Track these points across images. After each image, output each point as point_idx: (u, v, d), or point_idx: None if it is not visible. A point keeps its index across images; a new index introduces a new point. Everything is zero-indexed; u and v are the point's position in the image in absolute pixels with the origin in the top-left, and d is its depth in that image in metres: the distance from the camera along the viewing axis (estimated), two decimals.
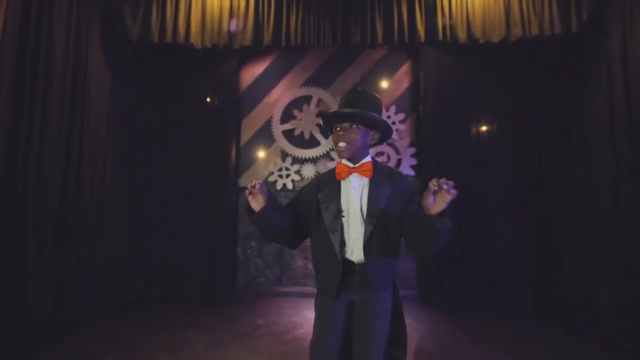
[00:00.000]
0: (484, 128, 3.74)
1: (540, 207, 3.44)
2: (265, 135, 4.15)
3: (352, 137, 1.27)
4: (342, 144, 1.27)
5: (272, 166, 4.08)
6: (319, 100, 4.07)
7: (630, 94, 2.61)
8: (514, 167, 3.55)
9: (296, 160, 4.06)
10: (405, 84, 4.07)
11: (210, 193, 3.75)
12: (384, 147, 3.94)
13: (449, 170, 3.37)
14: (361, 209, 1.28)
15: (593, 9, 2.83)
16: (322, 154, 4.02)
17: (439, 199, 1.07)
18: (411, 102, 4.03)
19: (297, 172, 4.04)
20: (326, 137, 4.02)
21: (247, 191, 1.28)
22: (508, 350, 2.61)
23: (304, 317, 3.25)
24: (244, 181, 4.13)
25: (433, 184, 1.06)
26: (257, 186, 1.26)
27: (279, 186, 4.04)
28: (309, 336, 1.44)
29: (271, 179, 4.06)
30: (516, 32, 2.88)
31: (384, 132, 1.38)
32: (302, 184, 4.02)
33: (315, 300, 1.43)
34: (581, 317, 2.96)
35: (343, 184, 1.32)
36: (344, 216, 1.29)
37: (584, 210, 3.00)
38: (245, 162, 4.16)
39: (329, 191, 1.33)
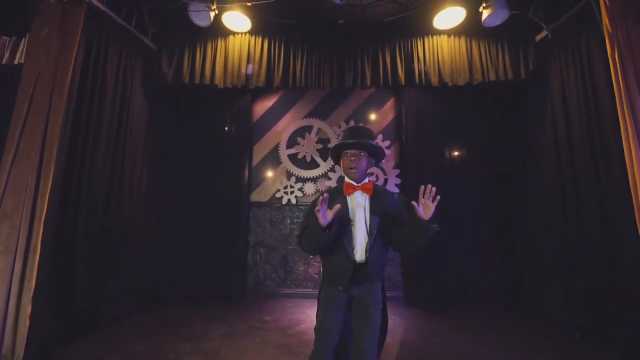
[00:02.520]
0: (455, 153, 4.03)
1: (504, 219, 3.68)
2: (273, 158, 4.41)
3: (360, 162, 1.53)
4: (354, 168, 1.52)
5: (279, 184, 4.32)
6: (319, 130, 4.38)
7: (570, 127, 2.92)
8: (480, 184, 3.82)
9: (299, 180, 4.31)
10: (391, 116, 4.39)
11: (227, 207, 3.98)
12: (374, 169, 4.22)
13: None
14: (365, 220, 1.50)
15: (537, 60, 3.19)
16: (321, 174, 4.28)
17: (425, 209, 1.37)
18: (395, 131, 4.34)
19: (300, 189, 4.28)
20: (325, 160, 4.30)
21: (318, 207, 1.34)
22: (477, 337, 2.79)
23: (306, 315, 3.39)
24: (255, 197, 4.35)
25: (421, 202, 1.37)
26: (323, 199, 1.36)
27: (284, 201, 4.26)
28: (311, 331, 1.63)
29: (278, 195, 4.29)
30: (477, 78, 3.22)
31: (379, 158, 1.65)
32: (304, 200, 4.26)
33: (320, 292, 1.61)
34: (540, 309, 3.13)
35: (349, 199, 1.54)
36: (353, 225, 1.51)
37: (538, 219, 3.24)
38: (256, 181, 4.40)
39: (341, 204, 1.51)
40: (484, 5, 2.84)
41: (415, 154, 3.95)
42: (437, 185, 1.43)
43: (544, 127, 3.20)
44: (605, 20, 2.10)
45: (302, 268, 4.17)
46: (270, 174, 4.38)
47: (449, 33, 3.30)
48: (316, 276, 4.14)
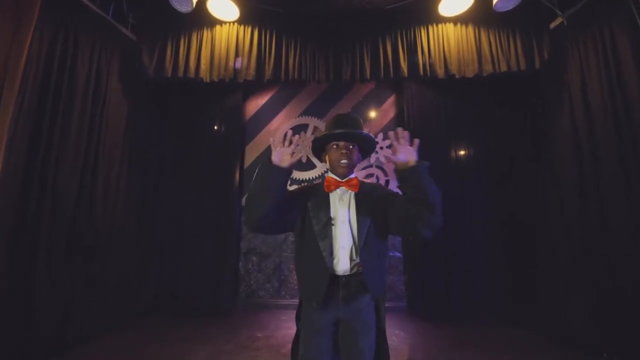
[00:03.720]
0: (461, 151, 3.71)
1: (514, 223, 3.36)
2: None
3: (352, 155, 1.27)
4: (345, 161, 1.25)
5: None
6: (315, 128, 4.06)
7: (592, 122, 2.61)
8: (488, 184, 3.50)
9: (294, 182, 3.98)
10: (391, 114, 4.09)
11: (216, 211, 3.64)
12: (374, 170, 3.91)
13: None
14: (349, 219, 1.21)
15: (552, 49, 2.89)
16: (317, 175, 3.96)
17: (405, 151, 1.07)
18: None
19: None
20: (321, 160, 3.97)
21: (283, 140, 1.14)
22: (489, 355, 2.47)
23: None
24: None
25: (397, 148, 1.08)
26: (295, 141, 1.16)
27: None
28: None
29: None
30: (487, 69, 2.91)
31: (369, 151, 1.39)
32: None
33: (298, 312, 1.29)
34: (556, 324, 2.81)
35: (331, 196, 1.26)
36: (333, 224, 1.21)
37: (554, 224, 2.92)
38: (248, 183, 4.07)
39: (319, 201, 1.26)
40: None
41: (417, 153, 3.62)
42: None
43: (559, 123, 2.89)
44: None
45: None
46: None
47: (456, 20, 2.99)
48: None
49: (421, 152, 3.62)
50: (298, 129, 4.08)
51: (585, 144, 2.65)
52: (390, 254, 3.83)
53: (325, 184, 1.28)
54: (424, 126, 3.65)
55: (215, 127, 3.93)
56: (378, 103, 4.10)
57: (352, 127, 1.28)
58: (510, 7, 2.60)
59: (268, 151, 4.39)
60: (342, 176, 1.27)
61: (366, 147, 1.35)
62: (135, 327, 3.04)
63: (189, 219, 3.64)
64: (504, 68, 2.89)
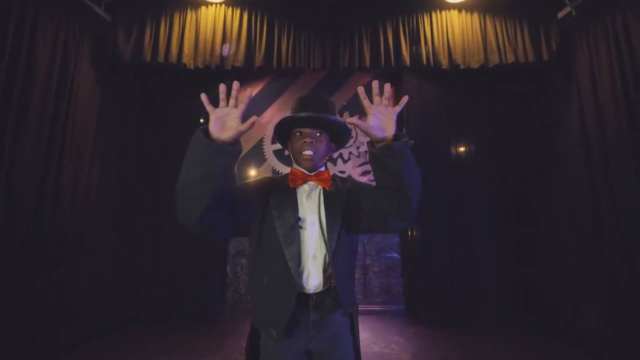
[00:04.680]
0: (462, 148, 3.54)
1: (520, 222, 3.21)
2: (256, 155, 3.81)
3: (318, 145, 0.99)
4: (309, 152, 0.98)
5: None
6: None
7: (602, 117, 2.47)
8: (493, 184, 3.34)
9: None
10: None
11: None
12: (368, 167, 3.69)
13: (431, 188, 3.13)
14: (320, 221, 0.96)
15: (560, 40, 2.73)
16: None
17: (381, 116, 0.82)
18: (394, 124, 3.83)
19: None
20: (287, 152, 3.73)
21: (225, 98, 0.82)
22: None
23: None
24: None
25: (373, 107, 0.83)
26: (245, 97, 0.82)
27: None
28: None
29: None
30: (493, 60, 2.73)
31: (343, 140, 1.12)
32: None
33: (249, 347, 1.00)
34: (565, 328, 2.67)
35: (297, 193, 1.00)
36: (301, 227, 0.94)
37: (562, 223, 2.78)
38: (237, 180, 3.78)
39: (283, 197, 0.98)
40: None
41: (417, 149, 3.41)
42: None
43: (568, 118, 2.75)
44: None
45: None
46: (252, 172, 3.78)
47: (460, 7, 2.80)
48: None
49: (422, 148, 3.35)
50: None
51: (595, 141, 2.51)
52: (388, 254, 3.64)
53: (290, 177, 1.01)
54: (424, 120, 3.47)
55: (202, 120, 3.62)
56: None
57: (320, 110, 1.00)
58: None
59: (258, 146, 4.08)
60: (309, 170, 1.01)
61: (338, 135, 1.07)
62: (111, 338, 2.73)
63: (171, 218, 3.32)
64: (511, 59, 2.72)
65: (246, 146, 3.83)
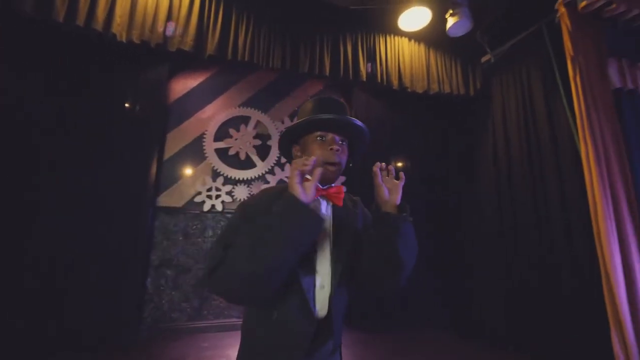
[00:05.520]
0: (399, 163, 3.86)
1: (443, 231, 3.62)
2: (194, 152, 3.39)
3: (342, 154, 0.88)
4: (336, 160, 0.86)
5: (200, 185, 3.32)
6: (258, 123, 3.60)
7: (509, 141, 3.01)
8: (425, 193, 3.67)
9: (228, 181, 3.41)
10: None
11: (121, 212, 2.74)
12: None
13: (373, 196, 3.29)
14: (330, 245, 0.85)
15: (483, 80, 3.26)
16: (257, 176, 3.48)
17: (391, 187, 0.88)
18: None
19: (229, 193, 3.38)
20: (263, 159, 3.53)
21: (304, 166, 0.70)
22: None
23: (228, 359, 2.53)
24: (164, 200, 3.23)
25: (384, 182, 0.88)
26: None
27: (206, 207, 3.28)
28: None
29: (198, 199, 3.29)
30: (434, 88, 3.07)
31: (355, 155, 1.02)
32: (233, 206, 3.37)
33: None
34: (476, 324, 3.10)
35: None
36: (315, 251, 0.83)
37: (478, 233, 3.25)
38: (167, 179, 3.28)
39: None
40: (451, 12, 2.68)
41: (361, 160, 3.59)
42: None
43: (485, 144, 3.27)
44: (567, 43, 2.12)
45: None
46: (188, 171, 3.34)
47: (411, 36, 3.08)
48: None
49: (366, 158, 3.49)
50: (237, 121, 3.54)
51: (502, 165, 3.04)
52: None
53: None
54: (370, 134, 3.64)
55: (127, 105, 3.04)
56: None
57: (344, 114, 0.90)
58: (461, 34, 2.79)
59: (198, 142, 3.65)
60: (326, 182, 0.88)
61: (356, 146, 0.97)
62: None
63: (80, 221, 2.63)
64: (447, 89, 3.10)
65: (182, 141, 3.38)
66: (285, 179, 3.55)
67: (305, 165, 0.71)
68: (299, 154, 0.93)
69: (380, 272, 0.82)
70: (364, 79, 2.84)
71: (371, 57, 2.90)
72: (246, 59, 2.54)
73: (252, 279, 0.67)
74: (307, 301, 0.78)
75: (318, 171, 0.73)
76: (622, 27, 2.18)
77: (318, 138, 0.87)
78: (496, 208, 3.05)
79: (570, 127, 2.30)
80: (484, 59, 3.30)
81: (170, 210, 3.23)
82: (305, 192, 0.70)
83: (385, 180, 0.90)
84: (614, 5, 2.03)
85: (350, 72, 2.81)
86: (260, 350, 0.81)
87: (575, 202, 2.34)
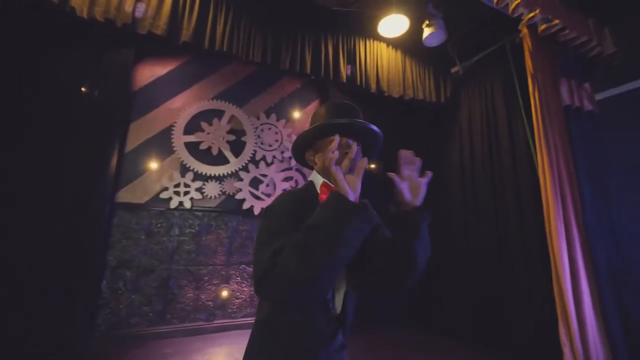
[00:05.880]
0: (372, 165, 3.96)
1: None
2: (162, 144, 3.16)
3: (357, 159, 0.86)
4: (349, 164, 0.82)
5: (167, 180, 3.10)
6: (232, 117, 3.45)
7: (473, 149, 3.24)
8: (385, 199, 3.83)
9: (199, 177, 3.23)
10: None
11: (75, 207, 2.46)
12: (293, 173, 3.64)
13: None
14: None
15: (453, 89, 3.47)
16: (230, 172, 3.34)
17: (413, 185, 0.82)
18: None
19: (199, 189, 3.20)
20: (237, 155, 3.40)
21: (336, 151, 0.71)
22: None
23: None
24: (124, 195, 2.96)
25: (404, 175, 0.82)
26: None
27: (173, 204, 3.08)
28: None
29: (164, 195, 3.07)
30: (409, 94, 3.20)
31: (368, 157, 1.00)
32: (203, 204, 3.21)
33: None
34: (439, 318, 3.29)
35: None
36: None
37: (446, 235, 3.45)
38: (129, 172, 3.02)
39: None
40: (427, 22, 2.81)
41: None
42: None
43: (454, 151, 3.48)
44: (528, 61, 2.33)
45: (190, 294, 3.07)
46: (153, 164, 3.10)
47: (389, 42, 3.17)
48: (210, 303, 3.12)
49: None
50: (210, 115, 3.37)
51: (467, 170, 3.27)
52: None
53: (320, 192, 0.88)
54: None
55: (84, 89, 2.73)
56: (302, 104, 3.90)
57: (358, 119, 0.90)
58: (435, 44, 2.94)
59: (165, 134, 3.49)
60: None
61: (369, 150, 0.98)
62: None
63: (25, 217, 2.30)
64: (420, 96, 3.25)
65: (148, 132, 3.14)
66: (260, 177, 3.46)
67: (331, 155, 0.70)
68: (312, 158, 0.93)
69: (394, 272, 0.81)
70: (344, 80, 2.86)
71: (351, 59, 2.94)
72: (224, 49, 2.43)
73: (308, 282, 0.66)
74: (327, 300, 0.81)
75: (363, 163, 0.72)
76: (572, 51, 2.47)
77: (347, 143, 0.87)
78: (462, 210, 3.27)
79: (527, 138, 2.55)
80: (453, 70, 3.52)
81: (132, 207, 2.98)
82: (352, 189, 0.70)
83: (407, 175, 0.83)
84: (567, 31, 2.28)
85: (331, 72, 2.82)
86: (284, 348, 0.80)
87: (530, 206, 2.59)
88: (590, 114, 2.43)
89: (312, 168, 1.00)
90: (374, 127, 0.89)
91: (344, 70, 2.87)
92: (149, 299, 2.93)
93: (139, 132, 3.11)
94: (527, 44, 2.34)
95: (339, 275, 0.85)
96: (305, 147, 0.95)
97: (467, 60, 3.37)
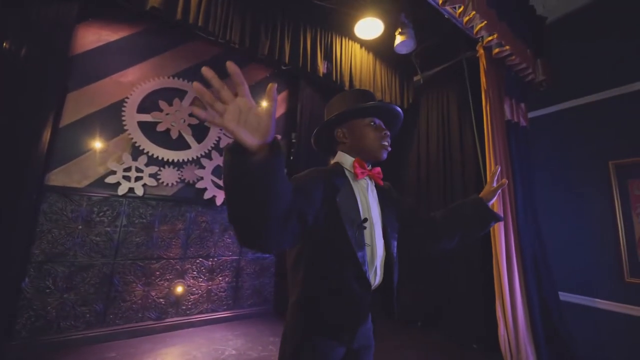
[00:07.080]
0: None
1: None
2: (108, 121, 2.74)
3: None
4: (387, 143, 1.01)
5: (115, 163, 2.71)
6: (195, 99, 3.17)
7: (429, 150, 3.59)
8: None
9: (154, 161, 2.90)
10: (281, 109, 3.88)
11: None
12: None
13: None
14: (381, 218, 0.98)
15: (415, 96, 3.76)
16: (191, 159, 3.07)
17: (492, 189, 1.17)
18: (285, 127, 3.87)
19: (154, 175, 2.88)
20: (199, 141, 3.14)
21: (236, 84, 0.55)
22: None
23: None
24: (57, 178, 2.51)
25: (492, 184, 1.20)
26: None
27: (121, 190, 2.71)
28: None
29: (111, 179, 2.68)
30: (378, 96, 3.37)
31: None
32: (158, 192, 2.90)
33: (297, 349, 0.84)
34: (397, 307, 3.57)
35: (356, 187, 0.94)
36: (365, 227, 0.89)
37: None
38: (65, 151, 2.56)
39: (347, 193, 0.89)
40: (400, 30, 2.99)
41: (305, 154, 3.63)
42: None
43: (412, 153, 3.79)
44: (483, 78, 2.68)
45: (139, 290, 2.76)
46: (97, 144, 2.69)
47: (362, 43, 3.28)
48: (161, 300, 2.85)
49: (309, 152, 3.61)
50: (170, 94, 3.05)
51: (422, 168, 3.61)
52: (264, 255, 3.55)
53: (355, 168, 0.94)
54: (313, 128, 3.71)
55: (6, 45, 2.22)
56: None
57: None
58: (405, 52, 3.15)
59: (114, 110, 3.19)
60: (376, 162, 1.04)
61: (389, 127, 1.12)
62: None
63: None
64: (387, 99, 3.44)
65: (92, 105, 2.71)
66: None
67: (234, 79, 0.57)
68: (342, 135, 1.01)
69: (444, 240, 1.10)
70: (321, 75, 2.88)
71: (328, 54, 2.97)
72: (200, 23, 2.22)
73: (230, 218, 0.63)
74: (362, 271, 0.85)
75: (273, 90, 0.58)
76: (514, 75, 2.91)
77: (372, 123, 0.99)
78: (417, 204, 3.59)
79: (476, 144, 2.94)
80: (415, 78, 3.82)
81: (67, 191, 2.54)
82: (245, 129, 0.58)
83: (495, 183, 1.19)
84: (513, 57, 2.69)
85: (309, 65, 2.80)
86: (319, 323, 0.84)
87: None
88: (524, 129, 2.91)
89: (326, 150, 1.08)
90: (401, 112, 1.08)
91: (321, 65, 2.88)
92: (85, 299, 2.54)
93: (78, 104, 2.65)
94: (483, 63, 2.68)
95: (376, 249, 0.91)
96: (337, 125, 1.02)
97: (428, 70, 3.70)
